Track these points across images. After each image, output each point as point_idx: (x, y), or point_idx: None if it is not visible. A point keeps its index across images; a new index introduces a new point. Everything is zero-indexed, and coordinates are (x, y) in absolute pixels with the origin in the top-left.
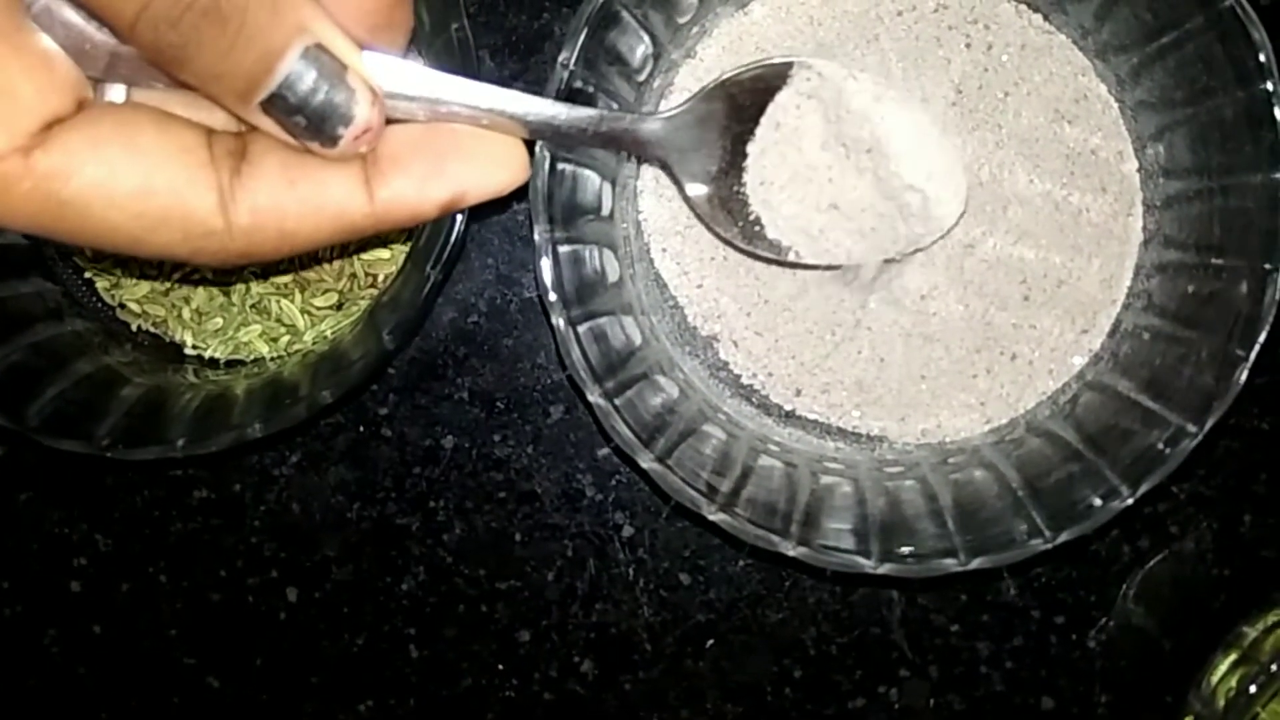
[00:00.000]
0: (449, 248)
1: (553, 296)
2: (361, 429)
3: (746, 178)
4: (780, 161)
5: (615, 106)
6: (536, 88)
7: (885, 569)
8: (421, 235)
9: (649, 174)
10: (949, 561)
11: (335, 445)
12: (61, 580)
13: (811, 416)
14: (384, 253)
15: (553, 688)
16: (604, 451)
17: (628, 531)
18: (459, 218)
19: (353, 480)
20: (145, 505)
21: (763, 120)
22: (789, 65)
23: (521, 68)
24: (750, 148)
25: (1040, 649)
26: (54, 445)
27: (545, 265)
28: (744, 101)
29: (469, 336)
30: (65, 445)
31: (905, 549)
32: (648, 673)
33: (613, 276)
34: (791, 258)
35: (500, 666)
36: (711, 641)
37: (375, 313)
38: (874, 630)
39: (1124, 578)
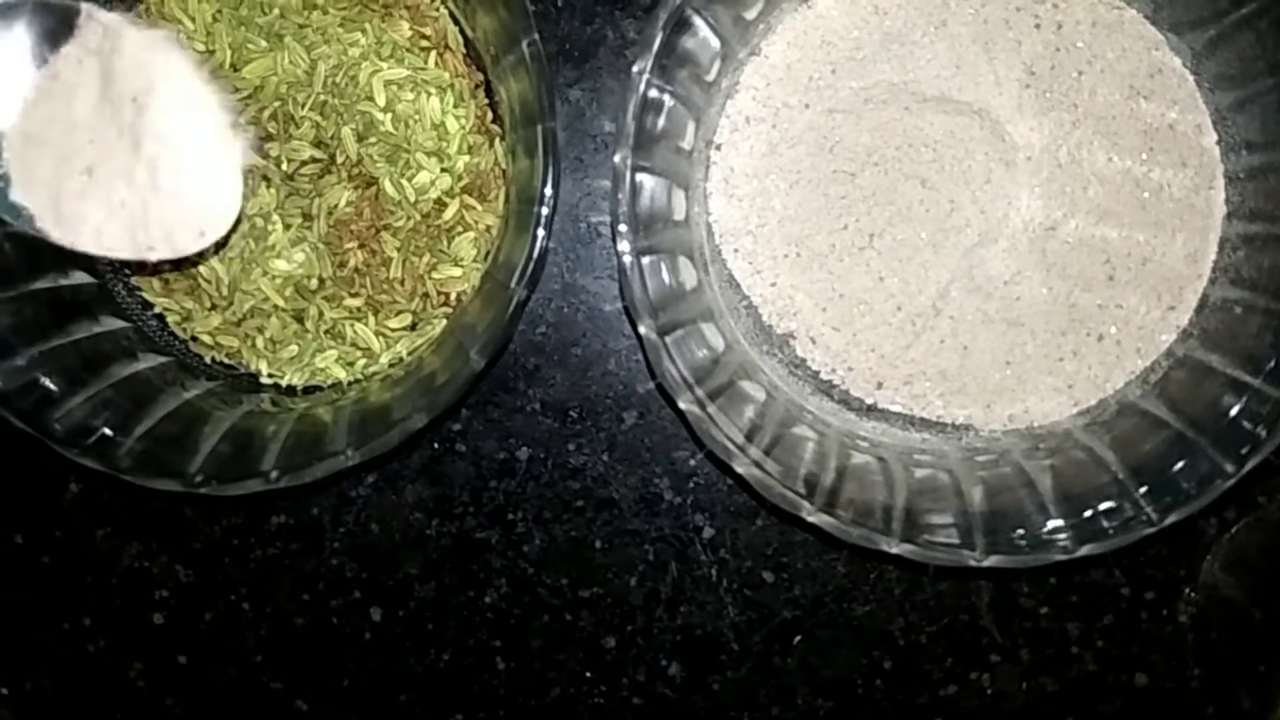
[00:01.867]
0: (532, 263)
1: (641, 307)
2: (436, 445)
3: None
4: (49, 117)
5: (686, 111)
6: (593, 93)
7: (991, 561)
8: (498, 252)
9: (717, 175)
10: (1055, 551)
11: (411, 463)
12: (144, 613)
13: (895, 409)
14: (455, 270)
15: (641, 692)
16: (680, 454)
17: (708, 533)
18: (541, 233)
19: (430, 497)
20: (224, 534)
21: (44, 70)
22: (76, 12)
23: (577, 75)
24: (23, 95)
25: (1131, 626)
26: (147, 485)
27: (633, 277)
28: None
29: (538, 347)
30: (158, 484)
31: (1009, 540)
32: (736, 672)
33: (690, 283)
34: (38, 229)
35: (588, 674)
36: (799, 638)
37: (458, 332)
38: (963, 617)
39: (1210, 548)
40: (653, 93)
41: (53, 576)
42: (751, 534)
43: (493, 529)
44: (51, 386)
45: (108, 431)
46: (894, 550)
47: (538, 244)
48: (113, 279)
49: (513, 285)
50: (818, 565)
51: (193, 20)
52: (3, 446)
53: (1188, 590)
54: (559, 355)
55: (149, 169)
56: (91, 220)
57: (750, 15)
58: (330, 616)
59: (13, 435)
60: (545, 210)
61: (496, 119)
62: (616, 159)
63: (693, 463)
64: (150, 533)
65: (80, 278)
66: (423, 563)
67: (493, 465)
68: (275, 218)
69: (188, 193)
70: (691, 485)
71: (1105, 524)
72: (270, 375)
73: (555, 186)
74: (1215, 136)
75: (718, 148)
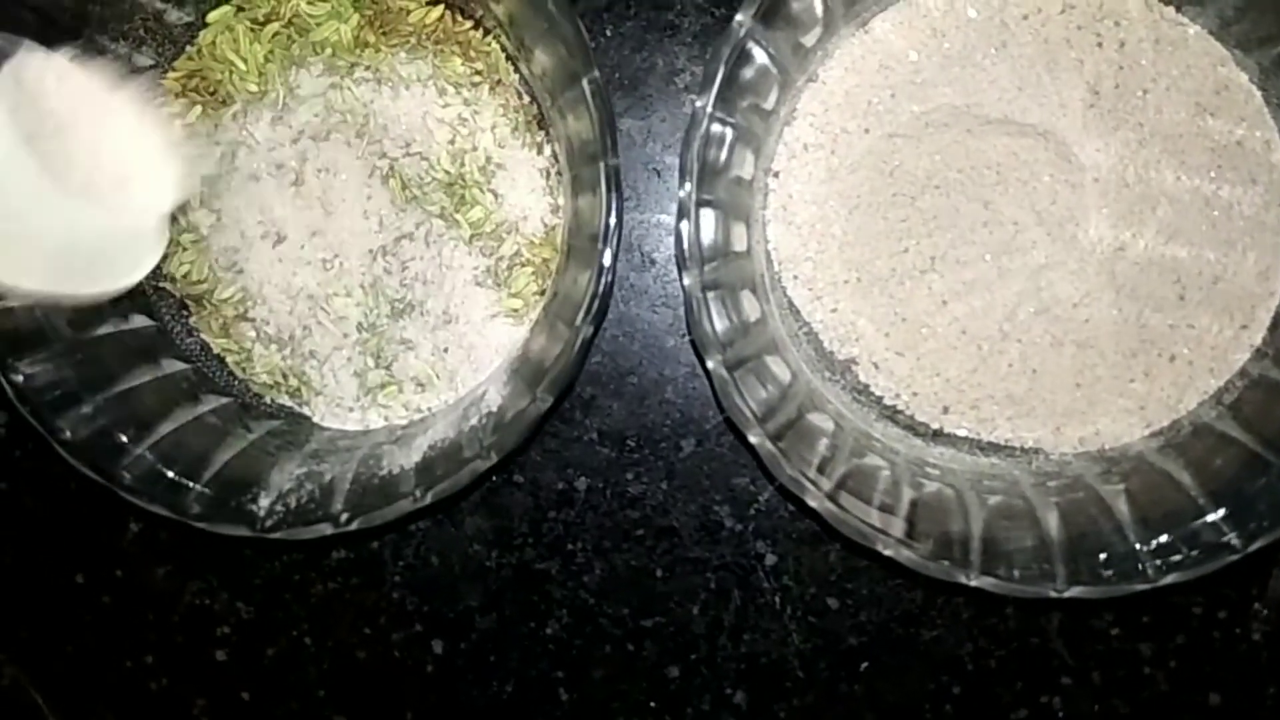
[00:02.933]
0: (596, 300)
1: (709, 342)
2: (494, 477)
3: None
4: None
5: (746, 141)
6: (644, 122)
7: (1073, 593)
8: (557, 287)
9: (776, 203)
10: (1138, 581)
11: (469, 495)
12: (206, 650)
13: (961, 433)
14: (515, 302)
15: None
16: (740, 480)
17: (771, 560)
18: (605, 267)
19: (489, 529)
20: (284, 570)
21: None
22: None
23: (628, 104)
24: None
25: (1204, 645)
26: (217, 531)
27: (700, 312)
28: None
29: (594, 377)
30: (228, 530)
31: (1090, 569)
32: (802, 699)
33: (754, 316)
34: None
35: (652, 704)
36: (865, 664)
37: (524, 371)
38: (1032, 640)
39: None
40: (715, 126)
41: (114, 616)
42: (815, 560)
43: (553, 559)
44: (119, 434)
45: (176, 477)
46: (974, 583)
47: (602, 281)
48: (172, 321)
49: (578, 322)
50: (883, 590)
51: (245, 61)
52: (62, 486)
53: (1259, 607)
54: (615, 385)
55: (72, 207)
56: (20, 259)
57: (809, 42)
58: (392, 650)
59: (70, 475)
60: (609, 248)
61: (553, 154)
62: (682, 194)
63: (753, 489)
64: (211, 570)
65: (140, 321)
66: (483, 594)
67: (551, 496)
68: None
69: (111, 232)
70: (752, 512)
71: (1187, 550)
72: (331, 414)
73: (619, 224)
74: None
75: (776, 175)
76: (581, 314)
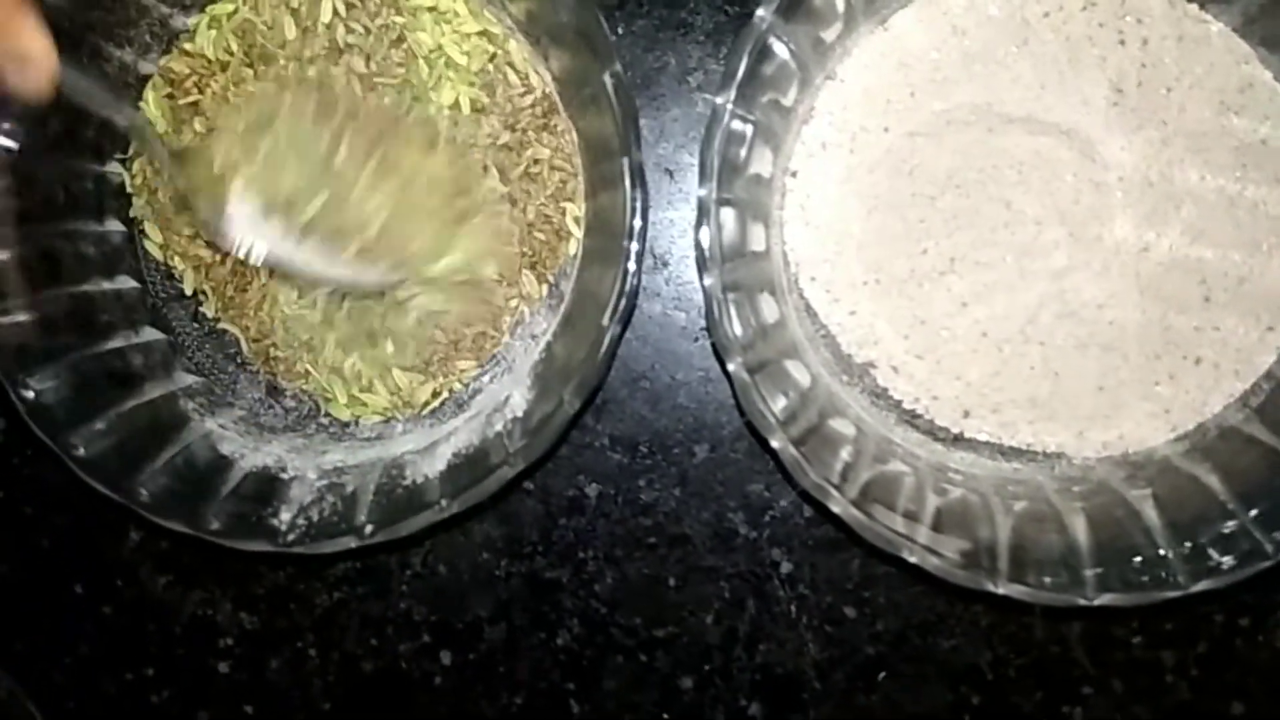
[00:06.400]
0: (624, 299)
1: (731, 345)
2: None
3: None
4: None
5: (765, 139)
6: (657, 120)
7: (1103, 600)
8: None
9: (794, 203)
10: (1169, 589)
11: (478, 503)
12: (209, 662)
13: (983, 438)
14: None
15: None
16: (754, 487)
17: (786, 568)
18: (632, 267)
19: (499, 537)
20: (288, 580)
21: None
22: None
23: (641, 103)
24: None
25: (1226, 653)
26: (237, 547)
27: (721, 314)
28: None
29: (606, 381)
30: (249, 546)
31: (1120, 576)
32: (818, 710)
33: (772, 318)
34: None
35: (665, 715)
36: (883, 674)
37: (548, 373)
38: (1053, 648)
39: None
40: (735, 123)
41: (114, 627)
42: (832, 568)
43: (563, 568)
44: (134, 450)
45: (193, 493)
46: (1002, 591)
47: (629, 278)
48: (184, 334)
49: (605, 322)
50: (900, 599)
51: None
52: (61, 495)
53: None
54: (628, 389)
55: None
56: None
57: (829, 38)
58: (399, 661)
59: (70, 484)
60: (635, 245)
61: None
62: (702, 193)
63: (768, 495)
64: (213, 580)
65: (151, 335)
66: (492, 604)
67: (562, 503)
68: None
69: None
70: (767, 519)
71: (1219, 555)
72: (350, 402)
73: (645, 221)
74: None
75: (794, 174)
76: (609, 314)
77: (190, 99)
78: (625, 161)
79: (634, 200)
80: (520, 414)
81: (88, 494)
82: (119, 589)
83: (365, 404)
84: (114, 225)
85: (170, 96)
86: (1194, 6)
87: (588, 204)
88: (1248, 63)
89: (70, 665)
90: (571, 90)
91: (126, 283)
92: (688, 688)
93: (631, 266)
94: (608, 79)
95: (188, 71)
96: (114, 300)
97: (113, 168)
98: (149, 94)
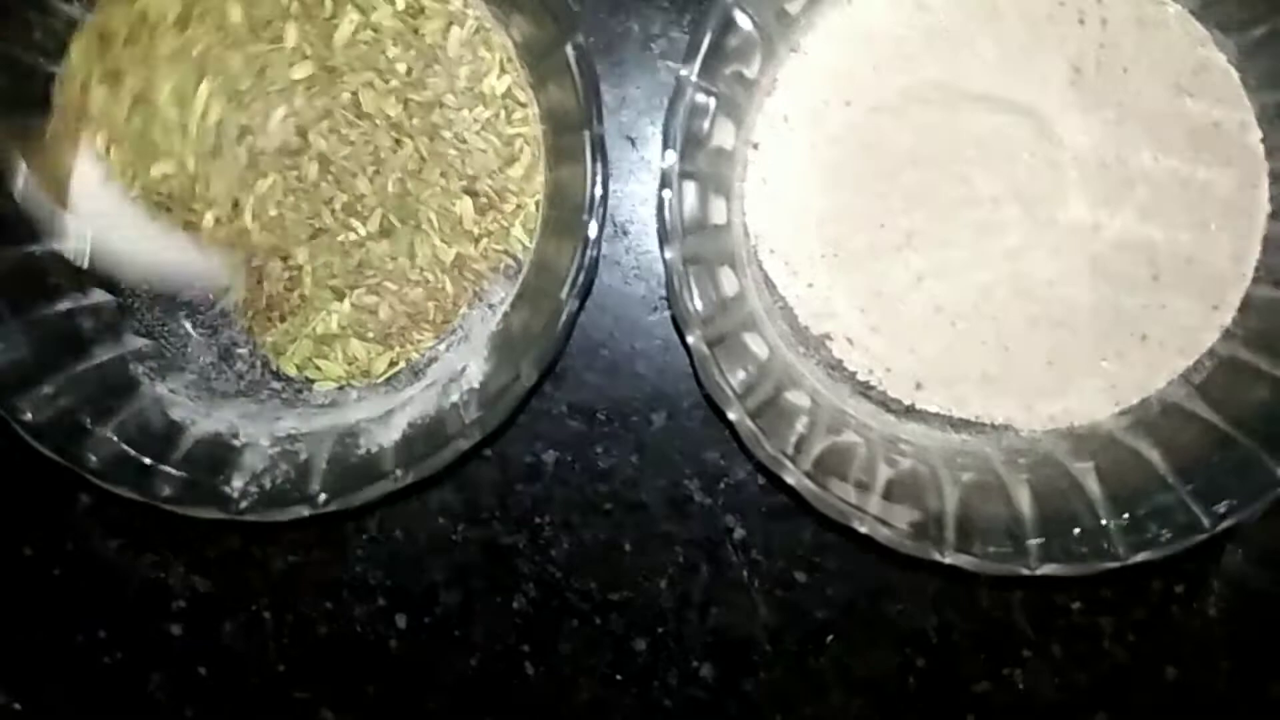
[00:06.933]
0: (582, 272)
1: (690, 318)
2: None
3: None
4: None
5: (728, 111)
6: (618, 89)
7: (1045, 570)
8: (537, 259)
9: (755, 175)
10: (1108, 559)
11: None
12: (161, 624)
13: (934, 410)
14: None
15: (673, 695)
16: (710, 455)
17: (739, 534)
18: (591, 239)
19: (455, 502)
20: (242, 543)
21: None
22: None
23: (603, 69)
24: None
25: (1162, 620)
26: (189, 514)
27: (681, 287)
28: None
29: (565, 351)
30: (200, 514)
31: (1062, 547)
32: (769, 673)
33: (732, 291)
34: None
35: (618, 677)
36: (831, 638)
37: (505, 346)
38: (995, 613)
39: (1235, 540)
40: (699, 96)
41: (64, 589)
42: (783, 535)
43: (520, 533)
44: (81, 414)
45: (143, 459)
46: (948, 561)
47: (588, 253)
48: (132, 295)
49: (563, 295)
50: (850, 566)
51: None
52: (7, 458)
53: (1215, 583)
54: (587, 357)
55: None
56: None
57: (793, 9)
58: (355, 625)
59: (16, 446)
60: (595, 220)
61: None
62: (664, 165)
63: (723, 463)
64: (165, 543)
65: (100, 297)
66: (448, 568)
67: (519, 469)
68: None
69: None
70: (722, 486)
71: (1156, 528)
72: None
73: (605, 194)
74: (1260, 135)
75: (755, 147)
76: (566, 287)
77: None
78: (586, 135)
79: (594, 173)
80: (477, 385)
81: (35, 458)
82: (69, 552)
83: (319, 369)
84: None
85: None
86: None
87: (548, 175)
88: (1203, 45)
89: (21, 629)
90: (536, 59)
91: None
92: (641, 650)
93: (591, 239)
94: (570, 50)
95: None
96: (60, 260)
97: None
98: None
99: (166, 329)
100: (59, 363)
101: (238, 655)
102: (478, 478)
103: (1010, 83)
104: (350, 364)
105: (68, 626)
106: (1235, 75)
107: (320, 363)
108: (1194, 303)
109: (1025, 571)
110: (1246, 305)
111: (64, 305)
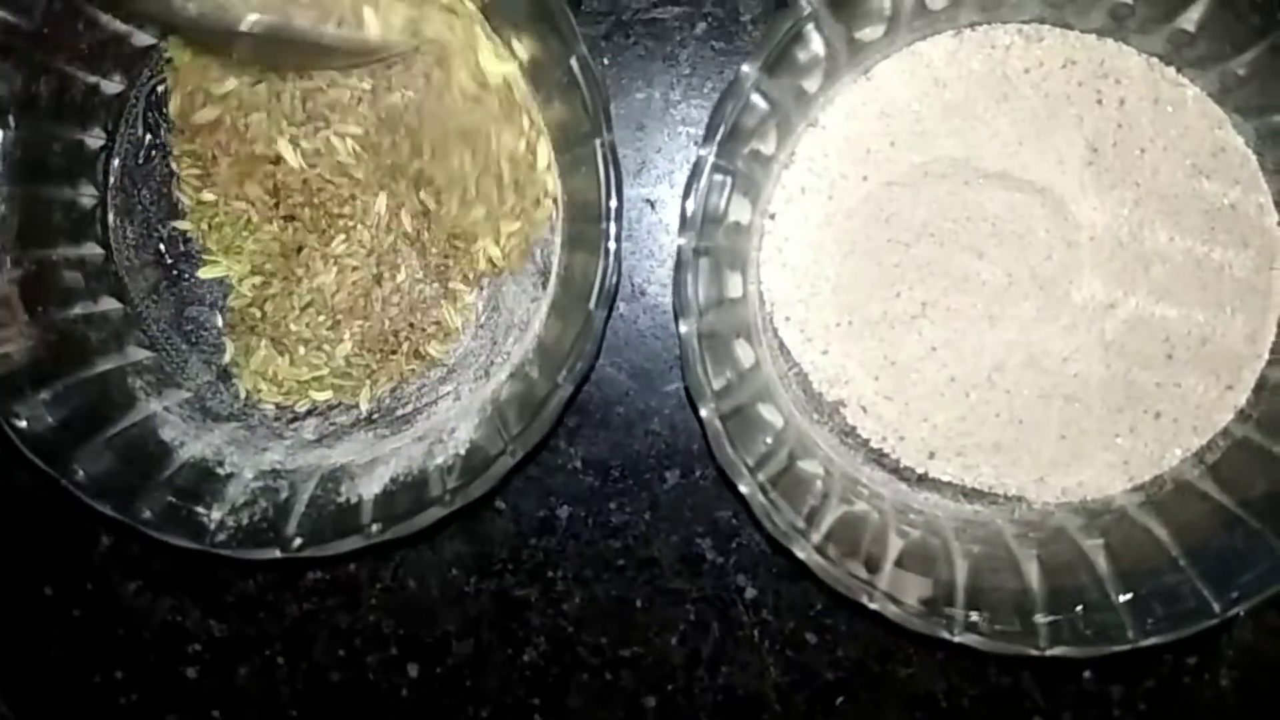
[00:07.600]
0: (609, 280)
1: (703, 391)
2: (474, 503)
3: None
4: None
5: (745, 188)
6: (637, 153)
7: (1055, 652)
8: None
9: (771, 245)
10: (1120, 642)
11: (449, 520)
12: (177, 668)
13: (946, 478)
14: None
15: None
16: (723, 514)
17: (751, 593)
18: (613, 247)
19: (468, 554)
20: (259, 589)
21: None
22: None
23: (627, 134)
24: None
25: (1173, 690)
26: (165, 539)
27: (696, 361)
28: None
29: (580, 406)
30: (174, 540)
31: (1071, 626)
32: None
33: (748, 362)
34: None
35: None
36: (841, 699)
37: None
38: (1005, 680)
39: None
40: (716, 176)
41: (84, 630)
42: (794, 594)
43: (532, 586)
44: (74, 426)
45: (129, 479)
46: (957, 640)
47: (611, 258)
48: (141, 303)
49: (590, 307)
50: (861, 627)
51: None
52: (31, 496)
53: (1228, 653)
54: (601, 413)
55: None
56: None
57: (811, 88)
58: (367, 673)
59: (41, 485)
60: (613, 225)
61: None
62: (681, 243)
63: (735, 522)
64: (183, 587)
65: (109, 304)
66: (461, 620)
67: (533, 523)
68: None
69: None
70: (734, 545)
71: (1166, 609)
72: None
73: (620, 198)
74: (1277, 217)
75: (772, 217)
76: (595, 297)
77: None
78: (597, 143)
79: (608, 181)
80: (463, 452)
81: (58, 497)
82: (89, 593)
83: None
84: (86, 190)
85: None
86: (1172, 70)
87: (561, 191)
88: (1221, 128)
89: (40, 667)
90: (543, 78)
91: (92, 249)
92: (651, 706)
93: (613, 246)
94: (574, 62)
95: None
96: (78, 267)
97: (92, 133)
98: None
99: (170, 342)
100: (60, 370)
101: (251, 699)
102: (491, 530)
103: (1026, 161)
104: (339, 389)
105: (86, 667)
106: (1253, 159)
107: (265, 384)
108: (1208, 382)
109: (1034, 653)
110: (1261, 387)
111: (75, 311)
